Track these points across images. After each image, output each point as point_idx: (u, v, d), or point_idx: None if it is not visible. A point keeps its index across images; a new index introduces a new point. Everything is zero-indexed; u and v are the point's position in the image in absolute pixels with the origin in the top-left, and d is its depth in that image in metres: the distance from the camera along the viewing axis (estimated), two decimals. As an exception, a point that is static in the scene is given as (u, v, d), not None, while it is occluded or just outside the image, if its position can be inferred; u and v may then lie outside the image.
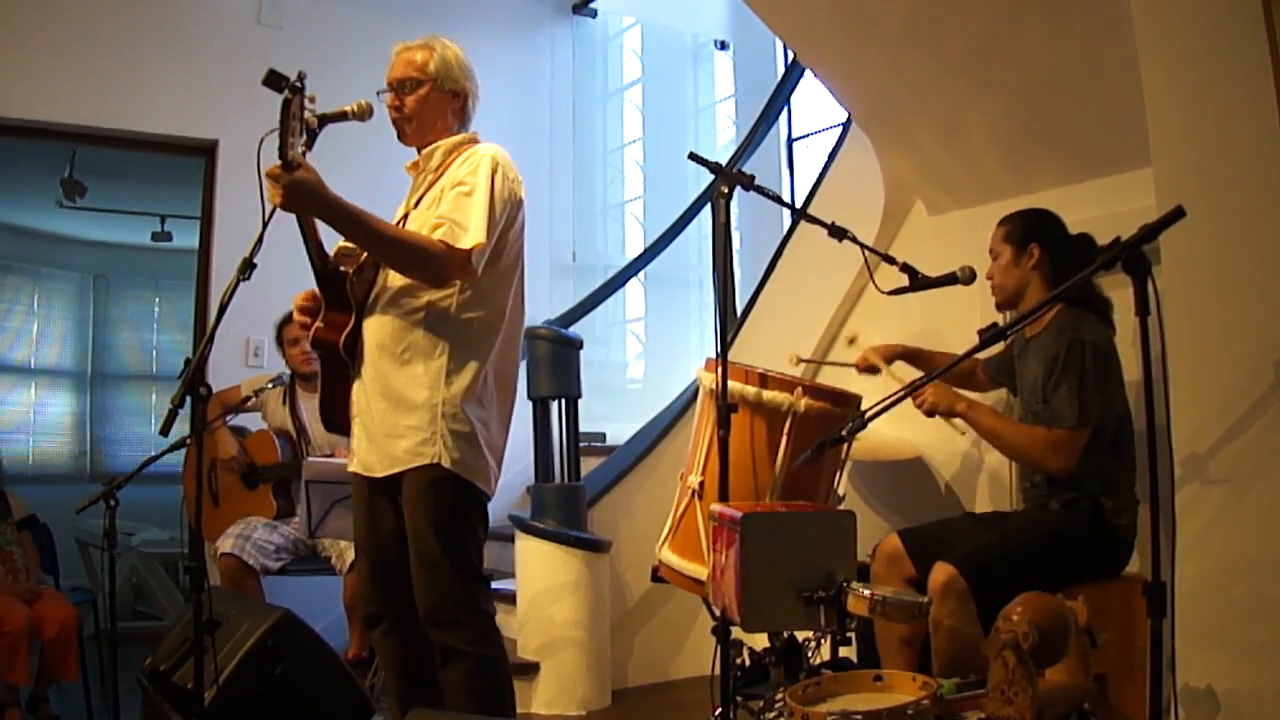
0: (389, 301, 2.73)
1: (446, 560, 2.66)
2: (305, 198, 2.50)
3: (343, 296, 2.78)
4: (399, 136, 2.85)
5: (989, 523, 3.09)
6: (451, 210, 2.64)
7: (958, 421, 3.00)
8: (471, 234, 2.60)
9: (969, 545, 2.86)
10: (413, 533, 2.69)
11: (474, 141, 2.87)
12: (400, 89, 2.80)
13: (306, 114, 2.49)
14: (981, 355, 3.08)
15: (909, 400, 3.05)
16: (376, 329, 2.74)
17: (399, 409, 2.69)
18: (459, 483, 2.68)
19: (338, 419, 2.88)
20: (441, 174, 2.79)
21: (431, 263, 2.61)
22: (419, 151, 2.87)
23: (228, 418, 4.36)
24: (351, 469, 2.85)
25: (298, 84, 2.43)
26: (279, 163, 2.46)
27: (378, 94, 2.83)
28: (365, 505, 2.83)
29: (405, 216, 2.81)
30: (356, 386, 2.81)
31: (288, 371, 4.48)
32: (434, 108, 2.81)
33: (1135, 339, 2.07)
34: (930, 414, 3.01)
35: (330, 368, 2.86)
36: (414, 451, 2.66)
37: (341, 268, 2.80)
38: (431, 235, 2.62)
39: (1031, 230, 3.09)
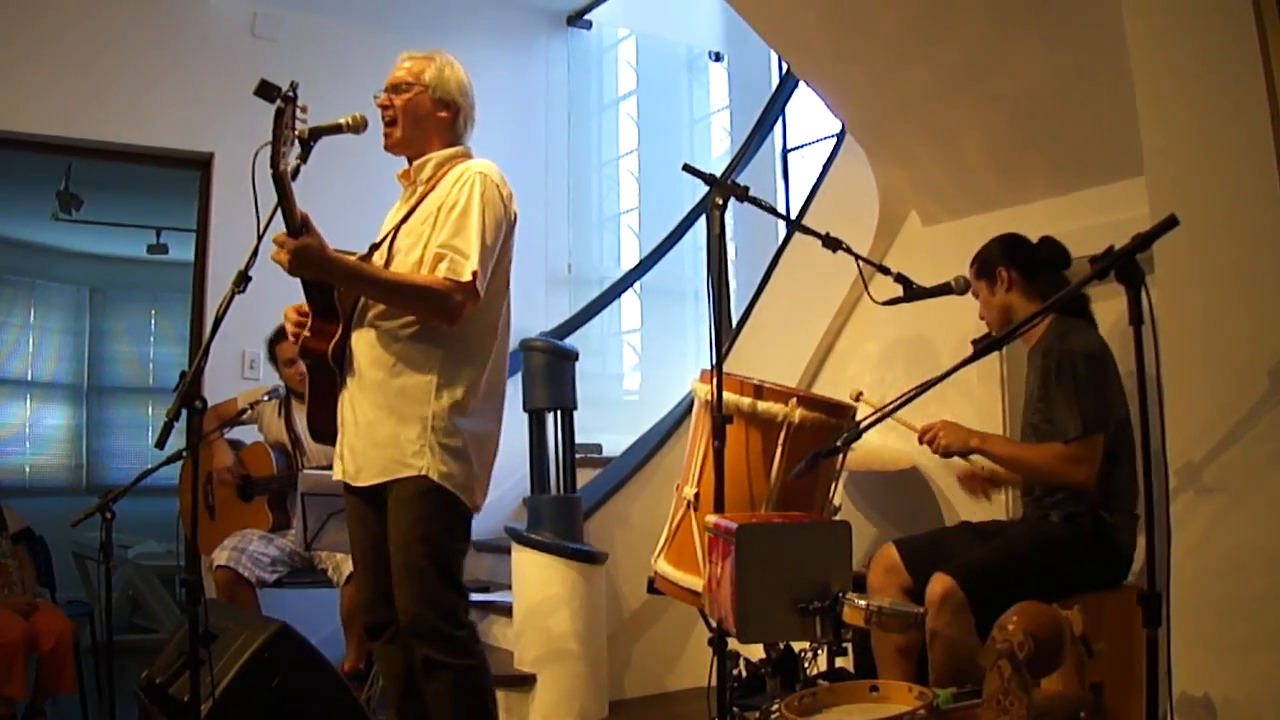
0: (379, 313, 2.74)
1: (432, 571, 2.67)
2: (311, 262, 2.60)
3: (331, 305, 2.79)
4: (385, 139, 2.86)
5: (986, 532, 3.09)
6: (451, 236, 2.67)
7: (975, 458, 3.00)
8: (472, 261, 2.64)
9: (967, 556, 2.86)
10: (398, 543, 2.69)
11: (466, 156, 2.88)
12: (393, 91, 2.85)
13: (299, 125, 2.52)
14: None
15: (917, 433, 3.07)
16: (367, 341, 2.75)
17: (389, 420, 2.69)
18: (445, 495, 2.68)
19: (326, 429, 2.89)
20: (433, 186, 2.81)
21: (443, 302, 2.65)
22: (409, 161, 2.88)
23: (224, 430, 4.36)
24: (335, 477, 2.86)
25: (290, 93, 2.45)
26: (285, 231, 2.57)
27: (374, 97, 2.87)
28: (359, 517, 2.84)
29: (396, 230, 2.82)
30: (344, 396, 2.82)
31: (283, 384, 4.48)
32: (422, 114, 2.84)
33: (1127, 347, 2.07)
34: (946, 455, 3.01)
35: (318, 377, 2.86)
36: (403, 462, 2.68)
37: None
38: (435, 267, 2.65)
39: (994, 257, 3.13)
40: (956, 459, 3.11)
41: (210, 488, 4.43)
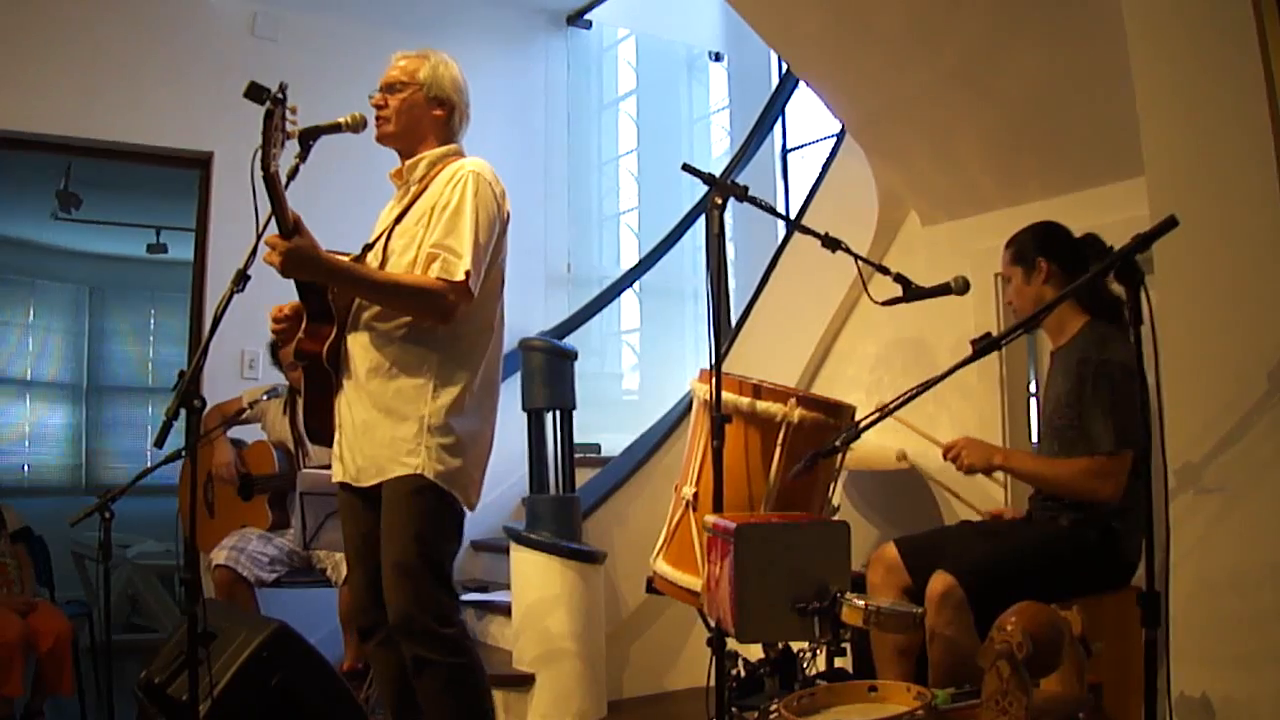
0: (373, 314, 2.75)
1: (423, 569, 2.67)
2: (303, 263, 2.60)
3: (325, 307, 2.79)
4: (377, 135, 2.87)
5: (987, 532, 3.07)
6: (444, 236, 2.68)
7: (997, 475, 2.98)
8: (465, 261, 2.64)
9: (969, 555, 2.85)
10: (391, 540, 2.69)
11: (459, 155, 2.89)
12: (388, 90, 2.86)
13: (289, 126, 2.51)
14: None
15: (938, 448, 3.06)
16: (361, 343, 2.76)
17: (386, 421, 2.70)
18: (440, 493, 2.69)
19: (322, 430, 2.89)
20: (425, 186, 2.81)
21: (436, 302, 2.65)
22: (402, 160, 2.89)
23: (225, 428, 4.35)
24: (336, 479, 2.86)
25: (279, 95, 2.45)
26: (277, 233, 2.56)
27: (369, 97, 2.87)
28: (354, 518, 2.84)
29: (390, 230, 2.82)
30: (340, 398, 2.82)
31: (286, 383, 4.47)
32: (417, 113, 2.85)
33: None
34: (969, 472, 2.99)
35: (314, 378, 2.86)
36: (399, 461, 2.68)
37: None
38: (428, 267, 2.66)
39: (1035, 245, 3.07)
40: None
41: (210, 486, 4.43)
